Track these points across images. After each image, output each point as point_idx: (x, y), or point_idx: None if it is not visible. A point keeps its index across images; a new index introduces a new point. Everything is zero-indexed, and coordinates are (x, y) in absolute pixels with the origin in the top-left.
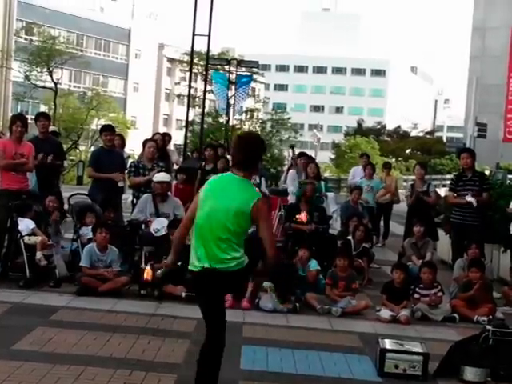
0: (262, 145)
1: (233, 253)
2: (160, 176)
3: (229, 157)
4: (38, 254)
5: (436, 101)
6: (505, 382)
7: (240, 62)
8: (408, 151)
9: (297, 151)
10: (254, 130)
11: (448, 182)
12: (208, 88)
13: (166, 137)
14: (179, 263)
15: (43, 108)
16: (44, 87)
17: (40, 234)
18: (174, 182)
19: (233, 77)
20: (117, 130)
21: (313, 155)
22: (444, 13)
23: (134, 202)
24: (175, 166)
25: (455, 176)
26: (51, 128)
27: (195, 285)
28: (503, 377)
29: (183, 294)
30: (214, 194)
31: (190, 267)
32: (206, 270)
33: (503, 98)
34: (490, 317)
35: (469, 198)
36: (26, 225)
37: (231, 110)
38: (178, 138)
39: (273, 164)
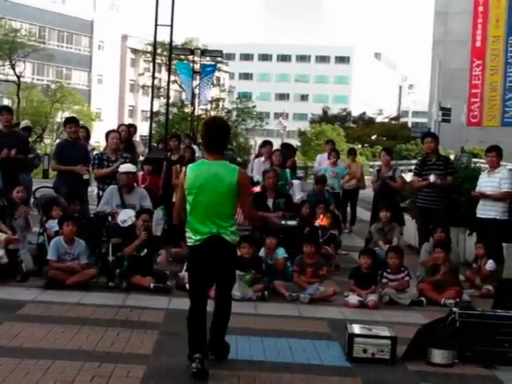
0: (228, 127)
1: (233, 225)
2: (126, 167)
3: (195, 147)
4: (0, 252)
5: (400, 86)
6: (471, 363)
7: (204, 52)
8: (373, 137)
9: (261, 139)
10: None
11: (414, 167)
12: (172, 78)
13: (131, 128)
14: (145, 251)
15: (6, 102)
16: (7, 80)
17: (4, 229)
18: (141, 173)
19: (197, 66)
20: (82, 122)
21: (279, 143)
22: None
23: (100, 194)
24: (141, 158)
25: (419, 161)
26: (24, 123)
27: (200, 254)
28: (470, 358)
29: (151, 285)
30: (202, 179)
31: (190, 242)
32: (213, 236)
33: (467, 82)
34: (457, 300)
35: (432, 178)
36: None
37: (196, 99)
38: (143, 129)
39: (239, 153)
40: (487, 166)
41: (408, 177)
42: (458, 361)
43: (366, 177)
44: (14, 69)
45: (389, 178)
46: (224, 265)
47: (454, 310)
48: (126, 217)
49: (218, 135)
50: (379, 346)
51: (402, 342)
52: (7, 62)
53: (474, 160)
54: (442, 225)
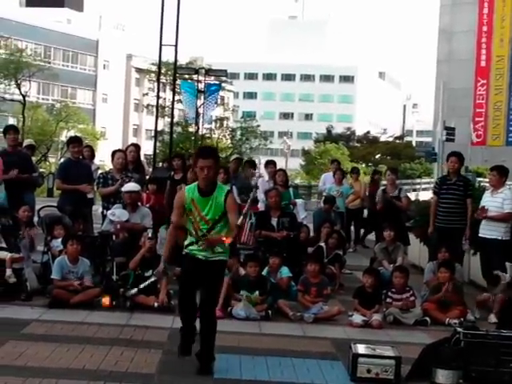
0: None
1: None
2: (129, 186)
3: None
4: (8, 272)
5: (404, 106)
6: (476, 383)
7: (208, 71)
8: (378, 156)
9: (265, 159)
10: (223, 138)
11: (418, 187)
12: (177, 98)
13: (137, 147)
14: (150, 272)
15: (11, 121)
16: (12, 100)
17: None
18: (146, 192)
19: (201, 86)
20: (86, 141)
21: (283, 162)
22: (410, 18)
23: (104, 212)
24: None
25: (439, 179)
26: (27, 141)
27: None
28: (475, 378)
29: (155, 304)
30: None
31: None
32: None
33: (471, 101)
34: (461, 319)
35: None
36: None
37: (200, 118)
38: (147, 148)
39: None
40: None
41: (412, 196)
42: (462, 381)
43: None
44: (19, 88)
45: (394, 198)
46: None
47: (459, 329)
48: (119, 213)
49: None
50: (383, 366)
51: (407, 361)
52: (13, 82)
53: (478, 179)
54: (459, 244)
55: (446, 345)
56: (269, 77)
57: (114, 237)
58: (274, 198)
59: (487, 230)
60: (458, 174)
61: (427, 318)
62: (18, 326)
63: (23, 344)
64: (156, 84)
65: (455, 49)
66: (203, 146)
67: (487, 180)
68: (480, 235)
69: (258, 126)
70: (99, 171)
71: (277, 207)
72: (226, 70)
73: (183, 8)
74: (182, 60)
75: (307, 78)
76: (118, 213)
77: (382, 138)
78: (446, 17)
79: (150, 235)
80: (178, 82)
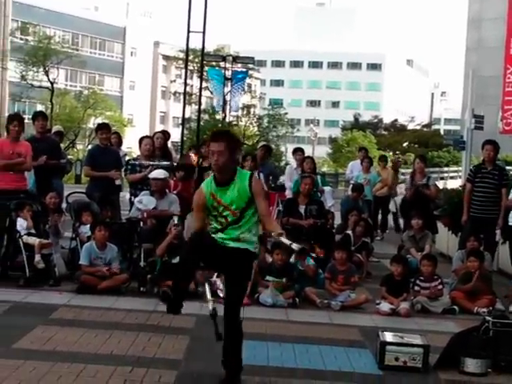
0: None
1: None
2: (155, 173)
3: None
4: (37, 257)
5: (432, 94)
6: (506, 372)
7: (235, 59)
8: (405, 144)
9: (292, 147)
10: (250, 126)
11: (445, 175)
12: (204, 85)
13: (166, 134)
14: (177, 258)
15: (40, 107)
16: (40, 87)
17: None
18: (173, 179)
19: (228, 73)
20: (114, 128)
21: (310, 150)
22: (439, 5)
23: (132, 199)
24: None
25: (474, 167)
26: (56, 128)
27: None
28: (504, 367)
29: None
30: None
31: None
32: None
33: (500, 89)
34: (490, 308)
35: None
36: (21, 225)
37: (227, 106)
38: (175, 135)
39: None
40: None
41: (440, 184)
42: (491, 370)
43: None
44: (47, 75)
45: (423, 186)
46: None
47: (488, 318)
48: (146, 202)
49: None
50: (411, 354)
51: (435, 350)
52: (41, 69)
53: (507, 168)
54: (492, 234)
55: (475, 334)
56: (296, 64)
57: (141, 223)
58: (308, 185)
59: None
60: (493, 162)
61: (455, 307)
62: (46, 311)
63: (52, 329)
64: (183, 71)
65: (484, 36)
66: (216, 130)
67: None
68: (510, 224)
69: (286, 113)
70: (127, 158)
71: (307, 194)
72: (253, 58)
73: None
74: (210, 47)
75: (334, 65)
76: (145, 200)
77: (410, 126)
78: (476, 4)
79: (175, 222)
80: (206, 69)
